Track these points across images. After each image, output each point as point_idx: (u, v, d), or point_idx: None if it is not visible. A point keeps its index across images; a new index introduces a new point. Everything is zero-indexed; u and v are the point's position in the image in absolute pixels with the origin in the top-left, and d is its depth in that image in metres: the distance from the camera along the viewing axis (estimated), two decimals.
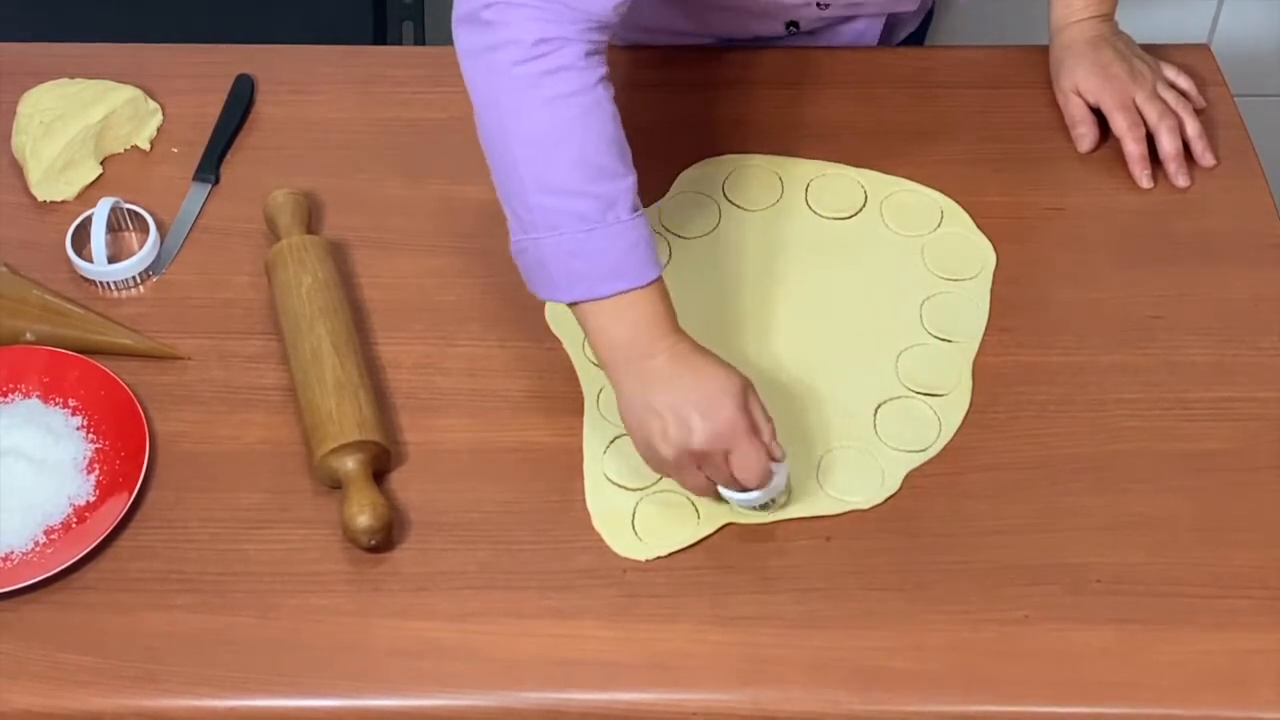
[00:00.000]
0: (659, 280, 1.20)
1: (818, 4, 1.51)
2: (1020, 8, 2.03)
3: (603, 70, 1.21)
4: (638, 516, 1.23)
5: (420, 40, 2.04)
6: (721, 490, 1.21)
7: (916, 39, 1.71)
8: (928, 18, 1.71)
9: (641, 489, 1.24)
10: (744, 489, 1.19)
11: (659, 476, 1.24)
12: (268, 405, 1.29)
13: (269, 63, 1.55)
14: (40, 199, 1.43)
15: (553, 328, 1.35)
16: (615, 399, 1.22)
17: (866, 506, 1.24)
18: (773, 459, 1.19)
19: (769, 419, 1.20)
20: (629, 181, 1.20)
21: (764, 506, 1.22)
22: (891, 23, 1.60)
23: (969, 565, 1.20)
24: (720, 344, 1.32)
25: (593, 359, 1.32)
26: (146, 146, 1.49)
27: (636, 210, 1.19)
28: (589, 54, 1.20)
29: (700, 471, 1.20)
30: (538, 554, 1.21)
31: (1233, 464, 1.26)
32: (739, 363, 1.31)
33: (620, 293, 1.18)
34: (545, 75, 1.18)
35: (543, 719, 1.15)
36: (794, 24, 1.54)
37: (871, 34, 1.59)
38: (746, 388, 1.19)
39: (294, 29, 1.92)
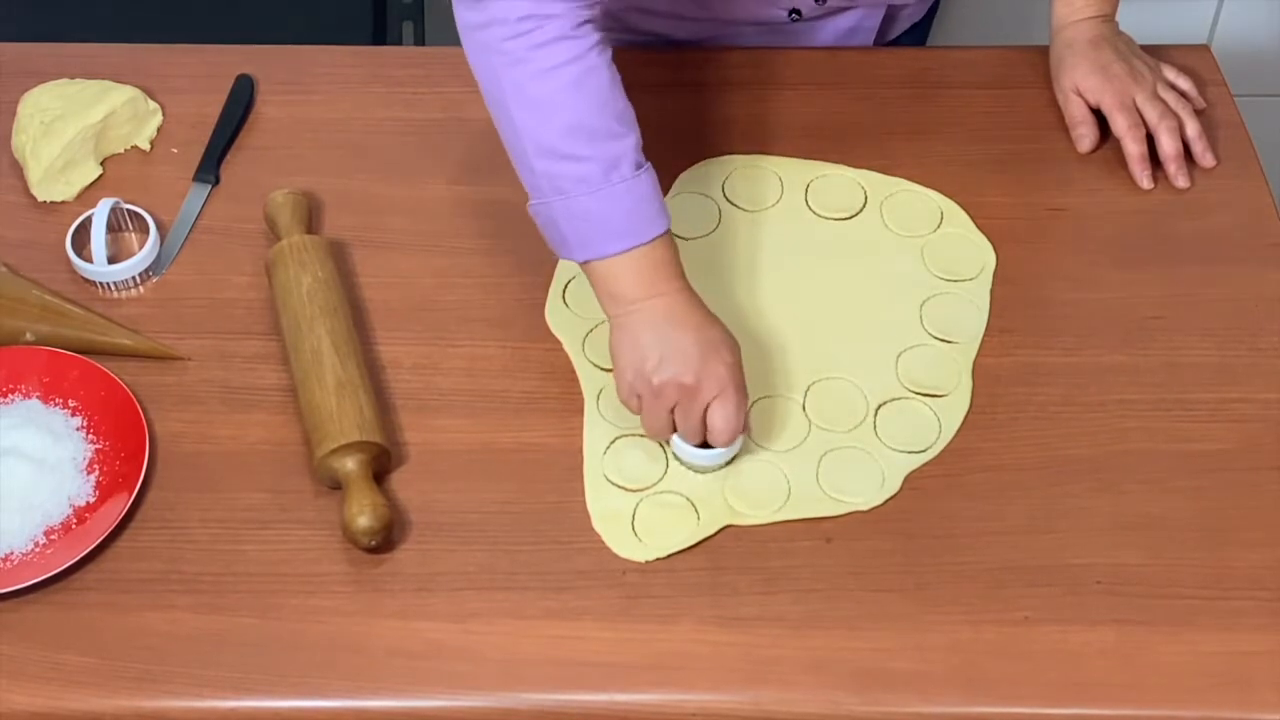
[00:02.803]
0: (666, 232, 1.24)
1: None
2: (1021, 6, 2.03)
3: (595, 37, 1.23)
4: (638, 517, 1.23)
5: (420, 40, 2.04)
6: (676, 440, 1.24)
7: (919, 36, 1.71)
8: (931, 14, 1.70)
9: (641, 490, 1.24)
10: (702, 444, 1.23)
11: (659, 477, 1.25)
12: (268, 405, 1.29)
13: (269, 63, 1.55)
14: (40, 199, 1.43)
15: (553, 328, 1.35)
16: (612, 401, 1.23)
17: (866, 507, 1.24)
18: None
19: (746, 395, 1.24)
20: (630, 140, 1.23)
21: (702, 470, 1.24)
22: (890, 14, 1.60)
23: (969, 565, 1.20)
24: None
25: (593, 359, 1.32)
26: (146, 146, 1.49)
27: (640, 167, 1.23)
28: (579, 24, 1.22)
29: (669, 413, 1.22)
30: (538, 554, 1.21)
31: (1233, 464, 1.26)
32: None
33: (628, 249, 1.22)
34: (535, 49, 1.21)
35: (542, 719, 1.15)
36: (796, 11, 1.54)
37: (870, 23, 1.58)
38: (740, 352, 1.23)
39: (294, 29, 1.92)
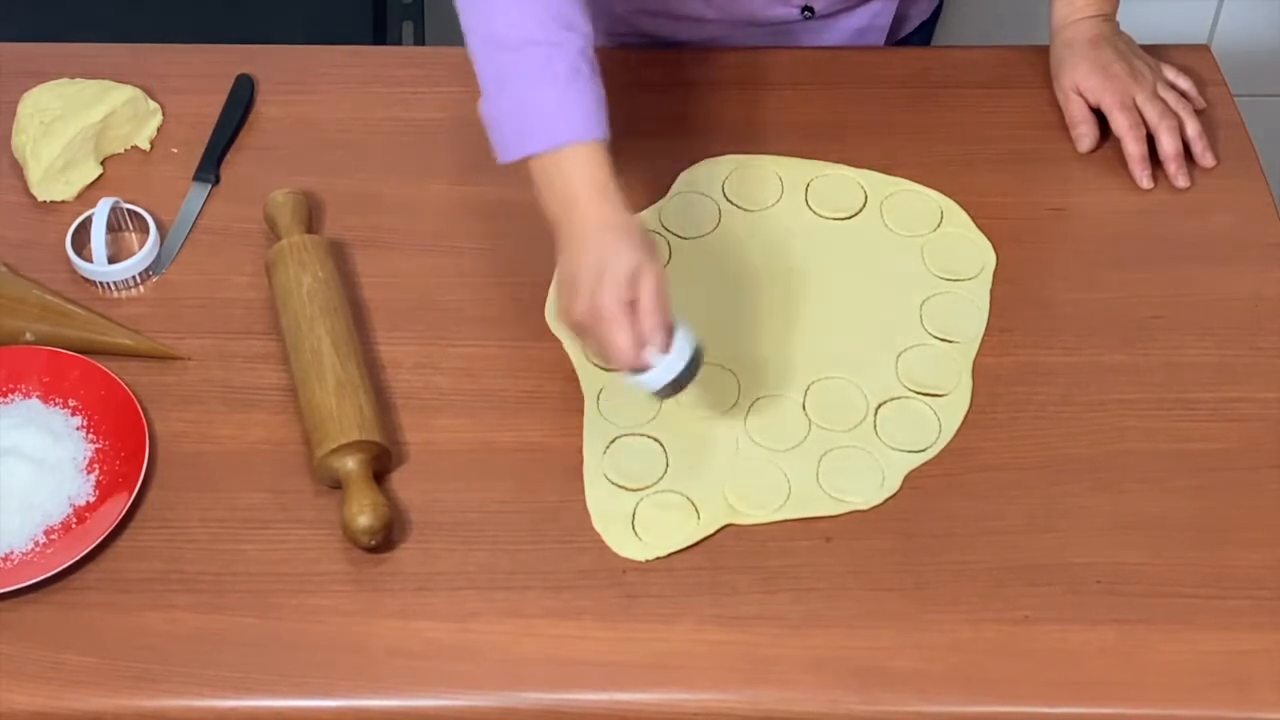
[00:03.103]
0: (598, 143, 1.21)
1: None
2: (1024, 6, 2.03)
3: None
4: (638, 517, 1.23)
5: (420, 40, 2.04)
6: (627, 377, 1.20)
7: (925, 36, 1.71)
8: (936, 14, 1.70)
9: (641, 489, 1.24)
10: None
11: (659, 476, 1.25)
12: (268, 405, 1.29)
13: (269, 63, 1.55)
14: (40, 199, 1.43)
15: (553, 328, 1.35)
16: (612, 400, 1.23)
17: (866, 506, 1.24)
18: (647, 344, 1.17)
19: (660, 306, 1.18)
20: (575, 39, 1.22)
21: (661, 393, 1.20)
22: (902, 13, 1.60)
23: (969, 565, 1.20)
24: (720, 344, 1.32)
25: (593, 359, 1.32)
26: (146, 146, 1.49)
27: (579, 72, 1.22)
28: None
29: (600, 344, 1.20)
30: (538, 554, 1.21)
31: (1233, 464, 1.26)
32: (739, 362, 1.31)
33: (553, 148, 1.21)
34: None
35: (542, 719, 1.15)
36: (809, 8, 1.54)
37: (882, 21, 1.58)
38: (637, 268, 1.18)
39: (294, 29, 1.92)
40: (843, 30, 1.58)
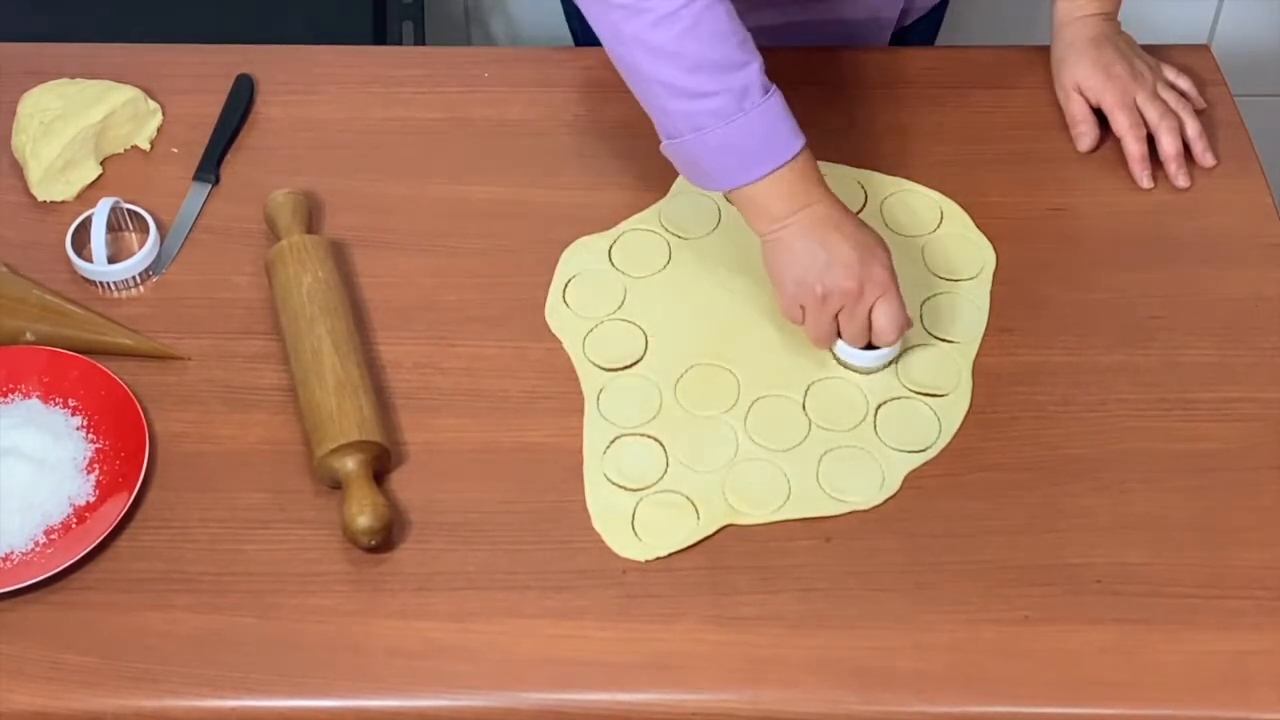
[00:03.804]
0: (805, 148, 1.28)
1: None
2: (1028, 7, 2.04)
3: None
4: (638, 516, 1.23)
5: (420, 40, 2.04)
6: (841, 346, 1.30)
7: (931, 30, 1.70)
8: (941, 11, 1.70)
9: (641, 489, 1.24)
10: (867, 346, 1.29)
11: (659, 476, 1.25)
12: (268, 405, 1.29)
13: (269, 63, 1.55)
14: (40, 199, 1.43)
15: (553, 328, 1.35)
16: (612, 400, 1.22)
17: (866, 506, 1.24)
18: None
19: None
20: (755, 66, 1.27)
21: (867, 372, 1.31)
22: (907, 8, 1.60)
23: (969, 565, 1.20)
24: (720, 343, 1.32)
25: (593, 359, 1.32)
26: (146, 146, 1.49)
27: (768, 91, 1.27)
28: None
29: (833, 320, 1.28)
30: (538, 554, 1.21)
31: (1233, 464, 1.26)
32: (739, 362, 1.31)
33: (774, 170, 1.26)
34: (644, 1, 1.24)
35: (542, 719, 1.15)
36: None
37: (892, 9, 1.58)
38: (891, 253, 1.29)
39: (294, 29, 1.92)
40: (860, 6, 1.58)
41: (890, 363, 1.31)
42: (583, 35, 1.68)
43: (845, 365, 1.31)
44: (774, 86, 1.27)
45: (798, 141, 1.27)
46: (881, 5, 1.59)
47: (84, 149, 1.44)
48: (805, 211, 1.27)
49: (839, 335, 1.30)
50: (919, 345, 1.34)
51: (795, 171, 1.27)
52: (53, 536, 1.21)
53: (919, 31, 1.68)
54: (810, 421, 1.29)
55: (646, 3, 1.24)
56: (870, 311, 1.27)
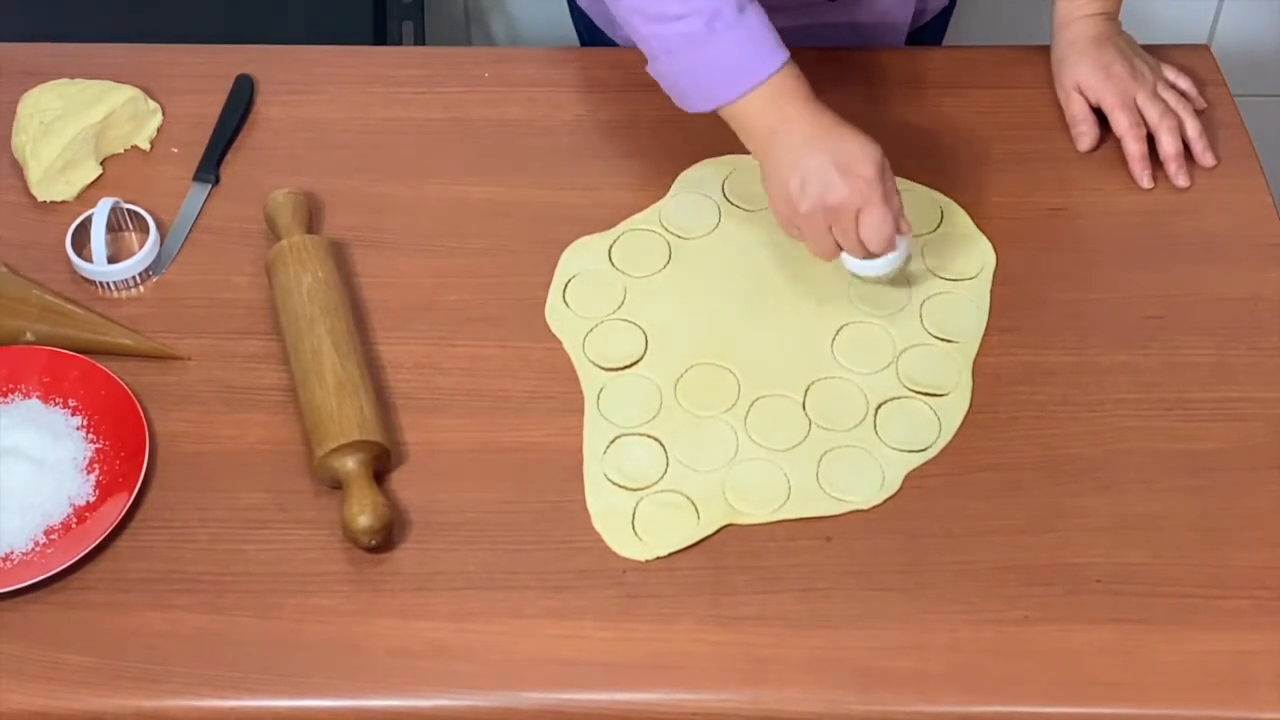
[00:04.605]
0: (786, 62, 1.28)
1: None
2: (1032, 8, 2.03)
3: None
4: (638, 516, 1.23)
5: (420, 40, 2.04)
6: (845, 257, 1.30)
7: (939, 26, 1.70)
8: (951, 7, 1.70)
9: (641, 489, 1.24)
10: (867, 256, 1.29)
11: (659, 476, 1.25)
12: (268, 405, 1.29)
13: (269, 63, 1.55)
14: (40, 199, 1.43)
15: (553, 328, 1.35)
16: (612, 400, 1.22)
17: (866, 506, 1.24)
18: (899, 231, 1.28)
19: (899, 194, 1.29)
20: None
21: (878, 281, 1.32)
22: (920, 9, 1.60)
23: (969, 565, 1.20)
24: (720, 343, 1.32)
25: (593, 359, 1.32)
26: (146, 146, 1.49)
27: (743, 9, 1.27)
28: None
29: (829, 233, 1.28)
30: (538, 554, 1.21)
31: (1233, 464, 1.26)
32: (739, 362, 1.31)
33: (747, 92, 1.27)
34: None
35: (542, 719, 1.15)
36: None
37: (903, 11, 1.58)
38: (884, 158, 1.28)
39: (294, 29, 1.92)
40: (868, 9, 1.58)
41: (900, 268, 1.32)
42: (588, 36, 1.68)
43: (855, 276, 1.33)
44: (752, 4, 1.28)
45: (775, 60, 1.28)
46: (891, 8, 1.59)
47: (84, 149, 1.44)
48: (786, 127, 1.28)
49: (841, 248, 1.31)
50: (919, 345, 1.34)
51: (774, 89, 1.28)
52: (53, 536, 1.21)
53: (932, 32, 1.68)
54: (810, 421, 1.29)
55: None
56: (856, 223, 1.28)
